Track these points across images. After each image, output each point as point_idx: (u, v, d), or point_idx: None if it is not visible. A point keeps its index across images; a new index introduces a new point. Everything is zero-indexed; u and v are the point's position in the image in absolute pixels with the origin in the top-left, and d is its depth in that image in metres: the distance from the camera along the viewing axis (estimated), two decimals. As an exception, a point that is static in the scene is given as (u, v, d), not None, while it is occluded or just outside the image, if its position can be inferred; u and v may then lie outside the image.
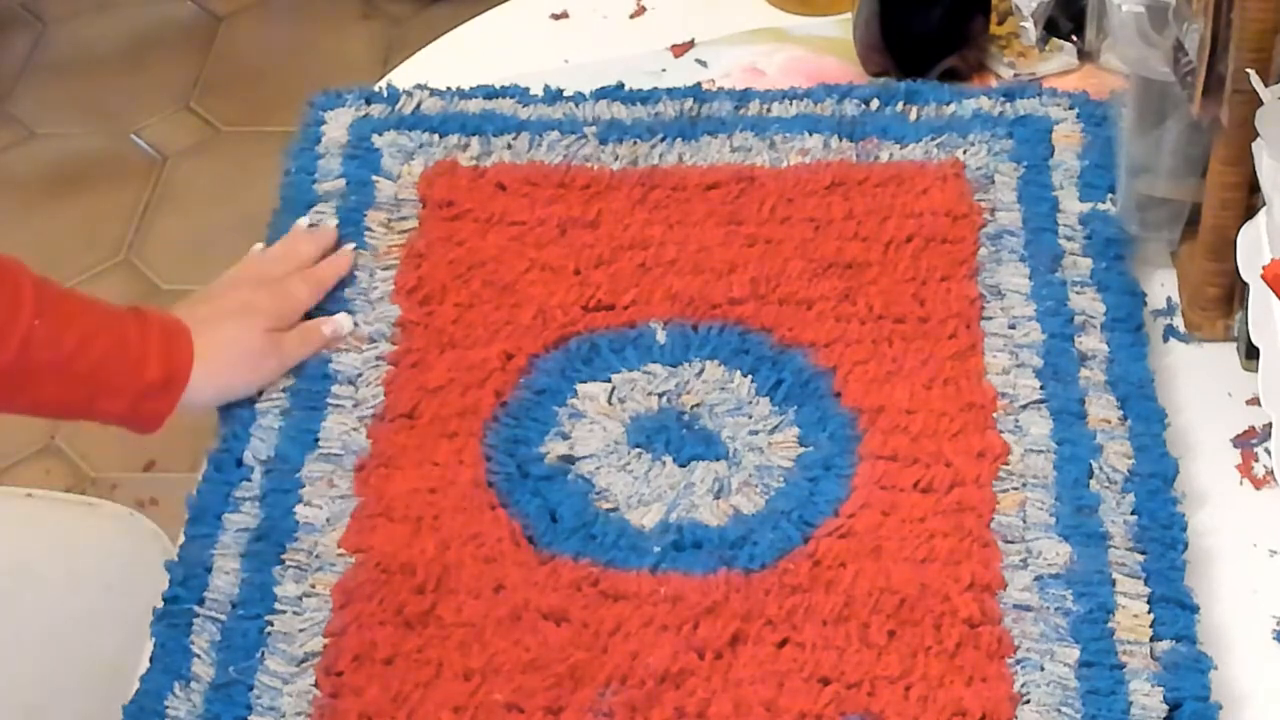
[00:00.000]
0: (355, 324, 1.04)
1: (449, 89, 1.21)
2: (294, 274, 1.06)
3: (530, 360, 1.03)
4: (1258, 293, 0.96)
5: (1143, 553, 0.90)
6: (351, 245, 1.09)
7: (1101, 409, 0.97)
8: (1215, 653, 0.86)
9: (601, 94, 1.19)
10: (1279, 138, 0.92)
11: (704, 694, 0.85)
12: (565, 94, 1.20)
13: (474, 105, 1.19)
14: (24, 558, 1.14)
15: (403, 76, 1.26)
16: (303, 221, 1.11)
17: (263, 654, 0.89)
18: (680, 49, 1.28)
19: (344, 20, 2.65)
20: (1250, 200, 0.99)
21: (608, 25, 1.32)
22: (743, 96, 1.18)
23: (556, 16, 1.33)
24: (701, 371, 1.02)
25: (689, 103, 1.18)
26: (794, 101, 1.18)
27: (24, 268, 0.94)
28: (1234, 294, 1.03)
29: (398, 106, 1.19)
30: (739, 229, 1.09)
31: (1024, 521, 0.92)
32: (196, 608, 0.91)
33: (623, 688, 0.86)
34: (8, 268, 0.93)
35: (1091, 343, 1.01)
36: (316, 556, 0.93)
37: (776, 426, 0.99)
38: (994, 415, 0.97)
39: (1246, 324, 0.98)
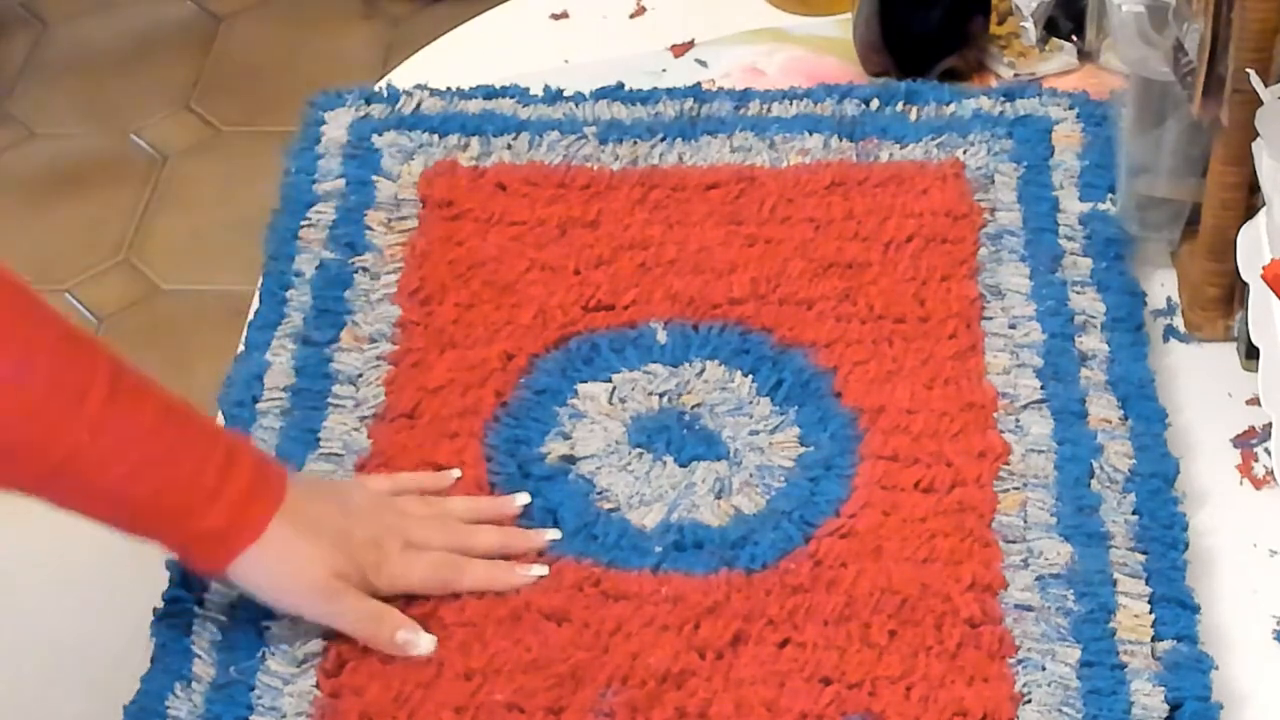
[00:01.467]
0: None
1: (449, 89, 1.21)
2: (429, 553, 0.91)
3: (530, 360, 1.03)
4: (1258, 293, 0.96)
5: (1144, 553, 0.90)
6: (532, 571, 0.91)
7: (1102, 409, 0.97)
8: (1216, 653, 0.86)
9: (601, 94, 1.19)
10: (1279, 138, 0.92)
11: (705, 694, 0.85)
12: (565, 94, 1.20)
13: (474, 105, 1.19)
14: (23, 556, 1.14)
15: (403, 76, 1.26)
16: (517, 500, 0.95)
17: (263, 654, 0.89)
18: (680, 49, 1.28)
19: (344, 20, 2.65)
20: (1250, 200, 0.99)
21: (608, 25, 1.32)
22: (743, 96, 1.19)
23: (556, 16, 1.33)
24: (702, 371, 1.02)
25: (689, 103, 1.18)
26: (794, 101, 1.18)
27: (100, 358, 0.82)
28: (1234, 294, 1.03)
29: (398, 106, 1.19)
30: (739, 229, 1.10)
31: (1025, 521, 0.92)
32: (197, 608, 0.91)
33: (624, 688, 0.86)
34: (84, 359, 0.82)
35: (1092, 343, 1.01)
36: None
37: (777, 426, 0.99)
38: (995, 415, 0.97)
39: (1246, 324, 0.98)
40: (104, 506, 0.85)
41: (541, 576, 0.91)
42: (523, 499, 0.95)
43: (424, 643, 0.88)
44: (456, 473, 0.96)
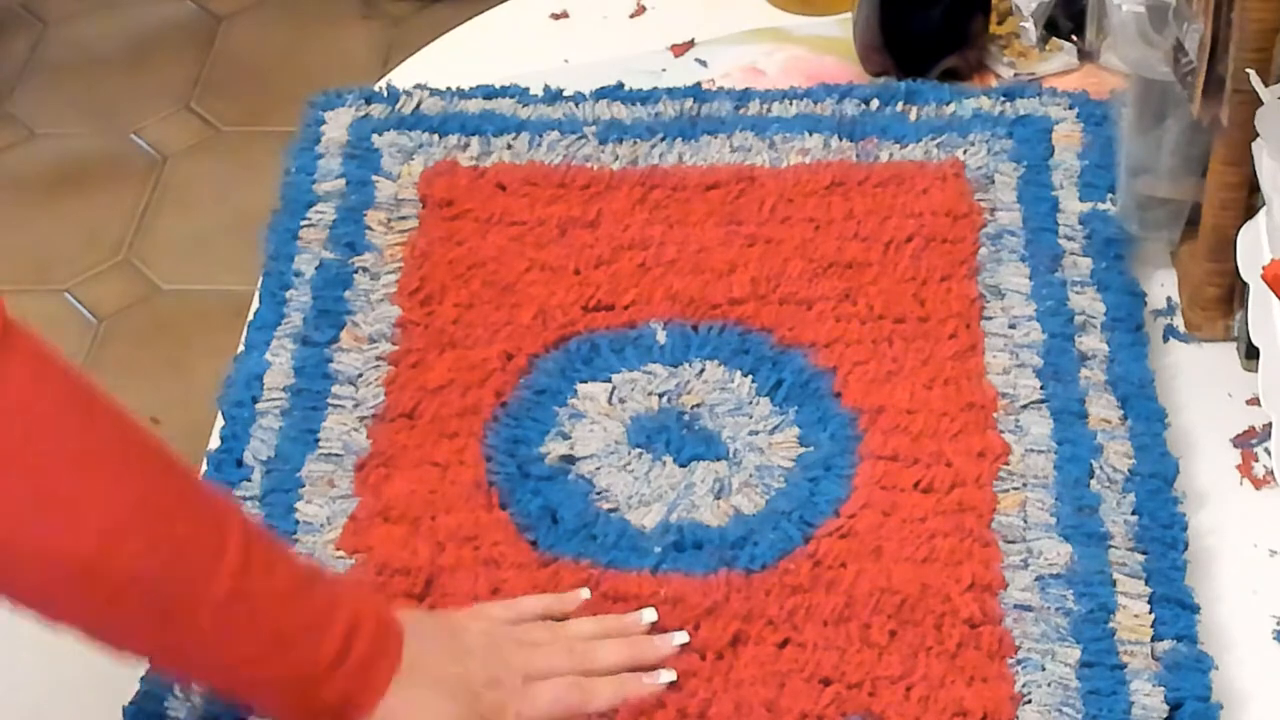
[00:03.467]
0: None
1: (449, 89, 1.21)
2: (553, 682, 0.86)
3: (530, 360, 1.03)
4: (1258, 293, 0.96)
5: (1143, 552, 0.90)
6: (661, 678, 0.87)
7: (1102, 409, 0.97)
8: (1216, 653, 0.86)
9: (601, 94, 1.19)
10: (1279, 138, 0.92)
11: (705, 694, 0.85)
12: (565, 94, 1.20)
13: (474, 105, 1.19)
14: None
15: (403, 76, 1.26)
16: (644, 617, 0.89)
17: (263, 654, 0.89)
18: (680, 49, 1.28)
19: (344, 20, 2.65)
20: (1250, 200, 0.99)
21: (608, 25, 1.32)
22: (743, 96, 1.18)
23: (556, 16, 1.33)
24: (702, 371, 1.02)
25: (689, 102, 1.18)
26: (794, 101, 1.18)
27: (235, 528, 0.77)
28: (1234, 294, 1.03)
29: (398, 106, 1.19)
30: (739, 229, 1.09)
31: (1025, 521, 0.92)
32: (197, 608, 0.91)
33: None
34: (215, 526, 0.77)
35: (1092, 343, 1.01)
36: (316, 557, 0.93)
37: (777, 426, 0.99)
38: (994, 415, 0.97)
39: (1246, 324, 0.98)
40: (217, 678, 0.82)
41: (672, 682, 0.86)
42: (650, 615, 0.89)
43: None
44: (585, 593, 0.91)
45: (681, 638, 0.88)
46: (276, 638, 0.78)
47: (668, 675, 0.86)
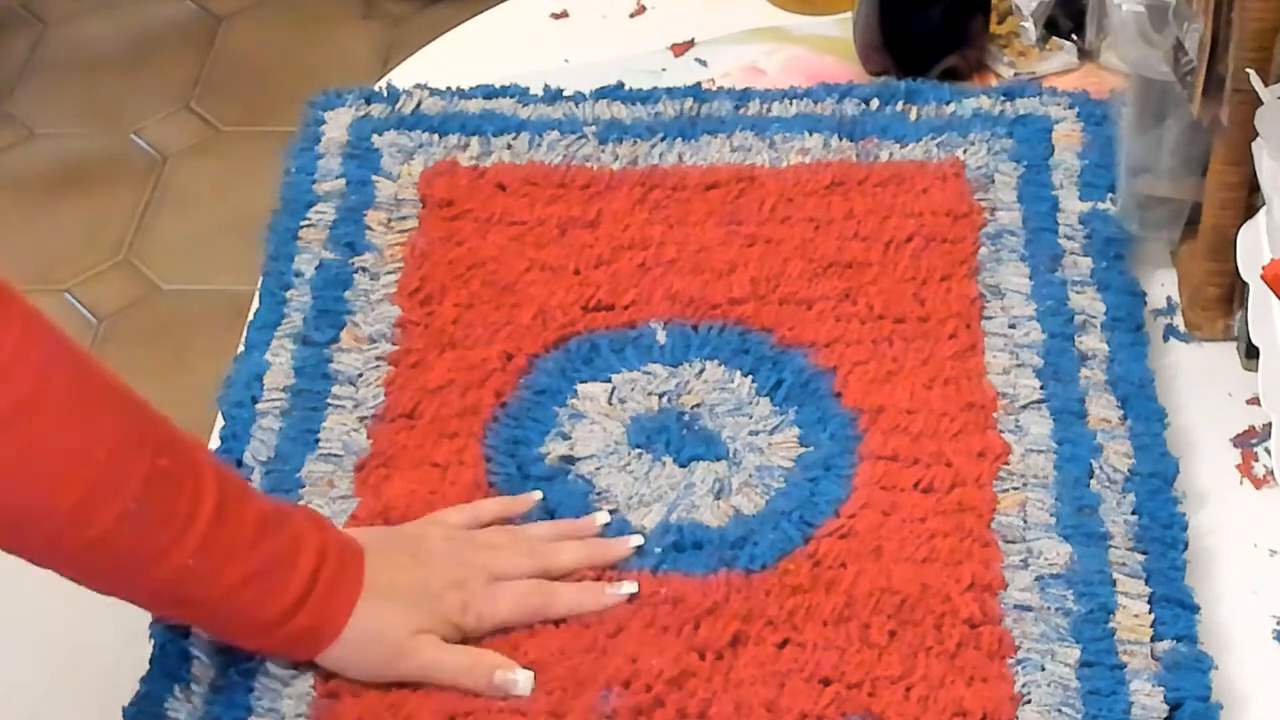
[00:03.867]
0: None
1: (449, 89, 1.20)
2: (515, 583, 0.89)
3: (530, 360, 1.03)
4: (1258, 293, 0.96)
5: (1143, 552, 0.90)
6: (623, 589, 0.90)
7: (1102, 409, 0.97)
8: (1216, 652, 0.86)
9: (601, 94, 1.19)
10: (1279, 138, 0.92)
11: (705, 695, 0.85)
12: (565, 94, 1.20)
13: (474, 105, 1.19)
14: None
15: (403, 76, 1.26)
16: (597, 519, 0.94)
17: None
18: (680, 48, 1.28)
19: (344, 20, 2.65)
20: (1250, 200, 0.99)
21: (608, 25, 1.32)
22: (743, 96, 1.18)
23: (556, 16, 1.33)
24: (701, 372, 1.02)
25: (689, 102, 1.18)
26: (794, 101, 1.18)
27: (209, 477, 0.81)
28: (1234, 294, 1.03)
29: (398, 106, 1.19)
30: (739, 229, 1.09)
31: (1024, 521, 0.92)
32: (196, 609, 0.91)
33: (625, 690, 0.86)
34: (192, 477, 0.81)
35: (1091, 342, 1.01)
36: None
37: (777, 427, 0.99)
38: (994, 415, 0.97)
39: (1246, 324, 0.98)
40: (195, 615, 0.86)
41: (633, 594, 0.89)
42: (602, 518, 0.94)
43: (522, 679, 0.86)
44: (537, 495, 0.95)
45: (636, 540, 0.92)
46: (248, 576, 0.82)
47: (629, 587, 0.90)
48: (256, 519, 0.83)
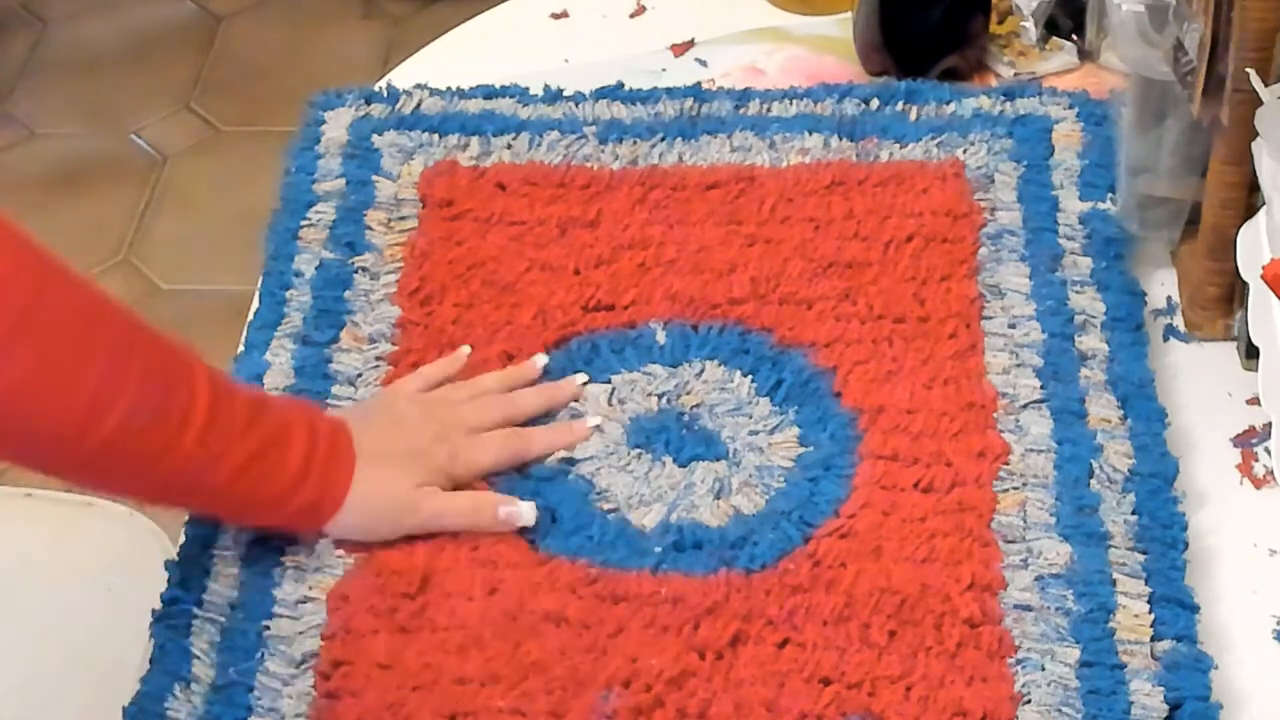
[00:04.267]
0: (506, 501, 0.94)
1: (449, 89, 1.20)
2: (489, 430, 0.97)
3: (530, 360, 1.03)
4: (1258, 292, 0.96)
5: (1143, 552, 0.90)
6: (589, 423, 0.99)
7: (1102, 408, 0.97)
8: (1215, 652, 0.86)
9: (601, 94, 1.19)
10: (1279, 137, 0.92)
11: (705, 695, 0.85)
12: (565, 94, 1.20)
13: (474, 105, 1.19)
14: (23, 557, 1.14)
15: (403, 76, 1.26)
16: (536, 362, 1.02)
17: (262, 655, 0.89)
18: (680, 49, 1.28)
19: (344, 20, 2.65)
20: (1250, 200, 0.99)
21: (608, 25, 1.32)
22: (743, 96, 1.18)
23: (556, 16, 1.33)
24: (701, 372, 1.02)
25: (689, 102, 1.18)
26: (794, 101, 1.18)
27: (200, 371, 0.86)
28: (1234, 294, 1.03)
29: (398, 106, 1.19)
30: (739, 229, 1.09)
31: (1024, 521, 0.92)
32: (195, 609, 0.91)
33: (625, 691, 0.86)
34: (184, 372, 0.85)
35: (1091, 342, 1.01)
36: (315, 558, 0.93)
37: (776, 426, 0.99)
38: (994, 415, 0.97)
39: (1246, 324, 0.98)
40: (205, 503, 0.91)
41: (598, 427, 0.98)
42: (541, 359, 1.01)
43: (525, 510, 0.93)
44: (466, 349, 1.02)
45: (581, 377, 1.00)
46: (250, 458, 0.87)
47: (594, 420, 0.98)
48: (246, 406, 0.88)
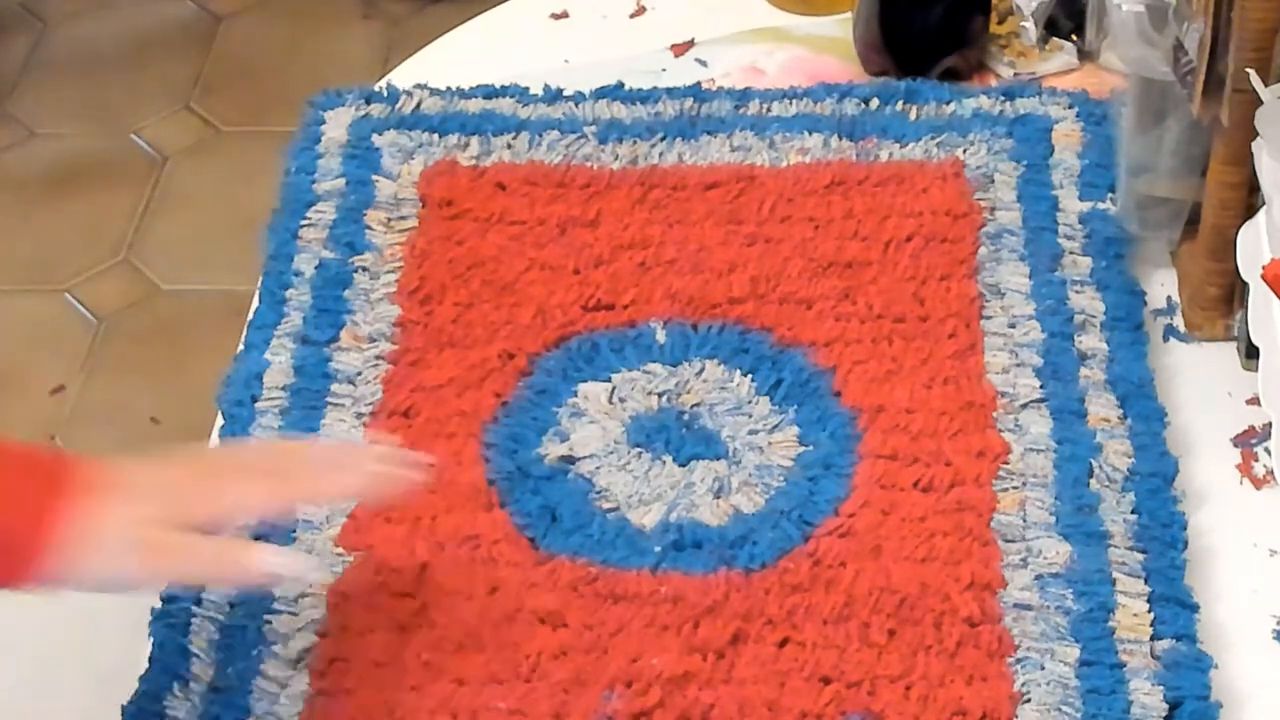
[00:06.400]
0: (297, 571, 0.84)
1: (449, 89, 1.20)
2: (272, 474, 0.84)
3: (530, 360, 1.03)
4: (1258, 293, 0.96)
5: (1143, 551, 0.90)
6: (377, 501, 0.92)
7: (1101, 408, 0.97)
8: (1215, 652, 0.86)
9: (601, 94, 1.19)
10: (1279, 138, 0.92)
11: (705, 694, 0.85)
12: (565, 94, 1.20)
13: (474, 105, 1.19)
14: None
15: (403, 76, 1.26)
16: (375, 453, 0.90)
17: (261, 654, 0.89)
18: (680, 49, 1.28)
19: (344, 20, 2.65)
20: (1250, 200, 0.99)
21: (608, 25, 1.32)
22: (743, 96, 1.18)
23: (556, 16, 1.33)
24: (701, 371, 1.02)
25: (689, 102, 1.18)
26: (794, 101, 1.18)
27: None
28: (1234, 294, 1.03)
29: (398, 106, 1.19)
30: (739, 228, 1.09)
31: (1024, 520, 0.92)
32: (194, 608, 0.91)
33: (626, 691, 0.86)
34: None
35: (1091, 342, 1.01)
36: (315, 555, 0.93)
37: (776, 426, 0.99)
38: (994, 414, 0.97)
39: (1246, 324, 0.98)
40: None
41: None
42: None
43: (299, 566, 0.82)
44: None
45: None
46: None
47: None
48: None
